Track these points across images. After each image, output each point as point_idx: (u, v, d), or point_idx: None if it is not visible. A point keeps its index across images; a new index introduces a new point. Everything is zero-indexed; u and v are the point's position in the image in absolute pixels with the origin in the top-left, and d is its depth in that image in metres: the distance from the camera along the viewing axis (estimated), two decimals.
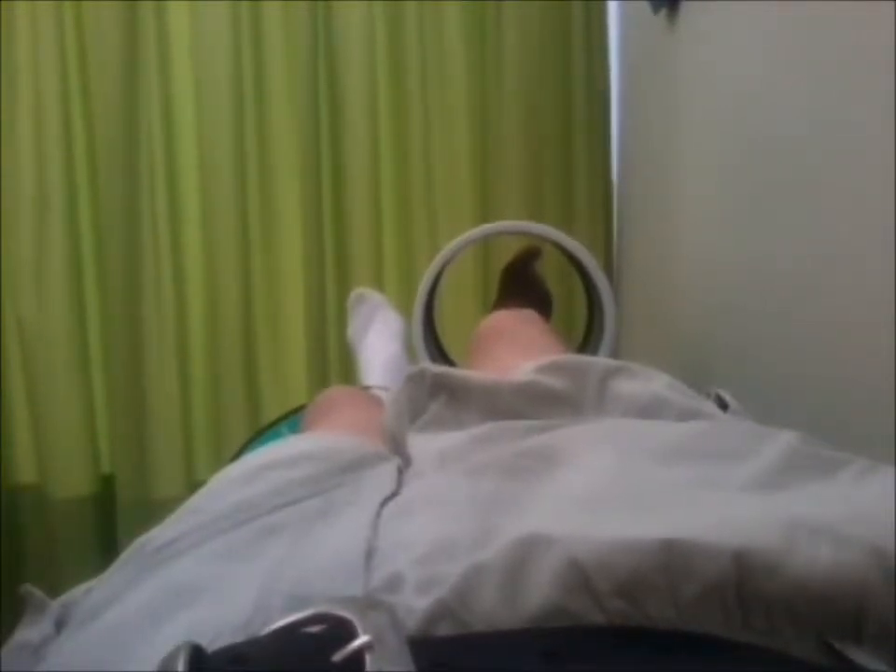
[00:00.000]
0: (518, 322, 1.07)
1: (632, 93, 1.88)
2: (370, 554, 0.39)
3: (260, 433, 1.60)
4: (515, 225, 1.51)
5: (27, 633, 0.47)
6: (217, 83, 2.02)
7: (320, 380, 2.00)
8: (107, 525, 2.09)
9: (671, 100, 1.35)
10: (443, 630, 0.33)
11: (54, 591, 0.50)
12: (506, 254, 1.52)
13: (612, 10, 2.01)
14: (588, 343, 1.44)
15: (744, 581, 0.32)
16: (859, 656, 0.31)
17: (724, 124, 1.07)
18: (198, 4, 2.01)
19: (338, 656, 0.29)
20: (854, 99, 0.68)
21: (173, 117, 2.05)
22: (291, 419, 1.53)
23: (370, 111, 2.02)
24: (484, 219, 1.88)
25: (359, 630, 0.29)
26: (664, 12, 1.36)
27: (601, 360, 0.70)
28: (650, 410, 0.62)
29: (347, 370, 1.89)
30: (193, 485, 1.97)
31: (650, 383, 0.66)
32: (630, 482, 0.44)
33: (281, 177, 2.06)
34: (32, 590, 0.49)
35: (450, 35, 2.01)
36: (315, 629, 0.31)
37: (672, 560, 0.33)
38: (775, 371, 0.86)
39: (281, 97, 2.04)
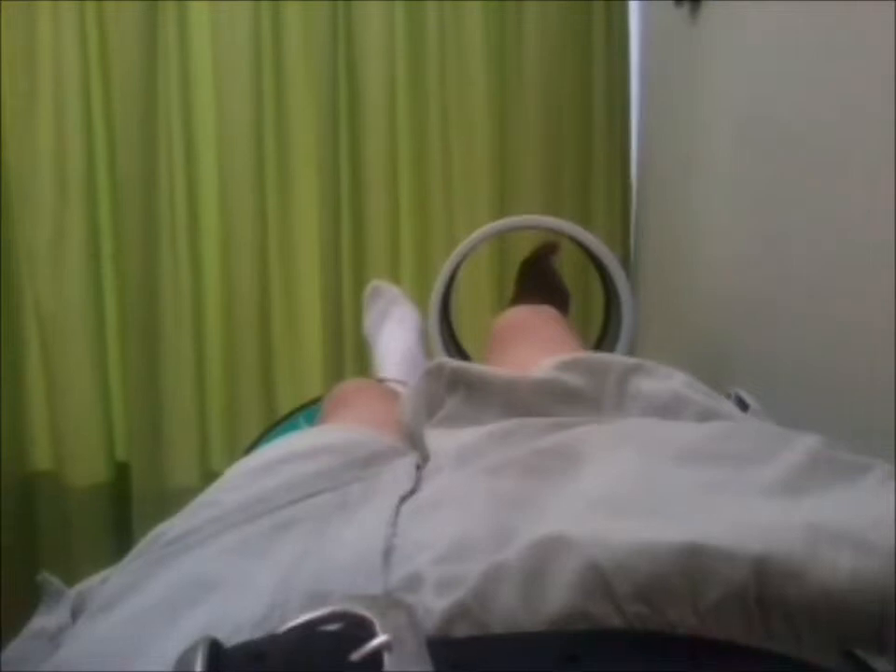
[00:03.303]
0: (536, 318, 1.06)
1: (652, 89, 1.86)
2: (388, 553, 0.39)
3: (277, 424, 1.60)
4: (533, 220, 1.50)
5: (43, 620, 0.47)
6: (237, 76, 2.02)
7: (335, 372, 2.00)
8: (122, 512, 2.10)
9: (692, 95, 1.34)
10: (462, 631, 0.33)
11: (69, 577, 0.51)
12: (523, 249, 1.51)
13: (634, 6, 1.99)
14: (605, 339, 1.44)
15: (765, 588, 0.32)
16: (882, 665, 0.31)
17: (746, 119, 1.06)
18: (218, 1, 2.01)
19: (356, 655, 0.29)
20: (877, 92, 0.67)
21: (192, 108, 2.05)
22: (308, 410, 1.53)
23: (389, 106, 2.01)
24: (502, 214, 1.87)
25: (378, 629, 0.29)
26: (686, 7, 1.35)
27: (621, 358, 0.69)
28: (669, 409, 0.61)
29: (363, 362, 1.89)
30: (208, 475, 1.99)
31: (668, 381, 0.65)
32: (650, 484, 0.43)
33: (299, 169, 2.06)
34: (49, 578, 0.49)
35: (470, 32, 1.99)
36: (333, 627, 0.31)
37: (693, 565, 0.33)
38: (795, 372, 0.85)
39: (300, 90, 2.04)
